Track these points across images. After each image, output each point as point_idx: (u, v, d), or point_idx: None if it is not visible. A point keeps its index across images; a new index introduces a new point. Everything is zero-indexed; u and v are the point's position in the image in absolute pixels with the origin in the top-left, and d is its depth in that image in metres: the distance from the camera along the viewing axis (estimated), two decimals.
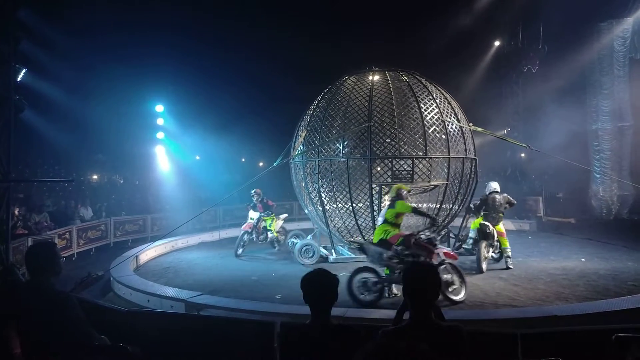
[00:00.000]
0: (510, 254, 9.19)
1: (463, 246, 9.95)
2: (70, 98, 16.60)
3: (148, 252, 11.38)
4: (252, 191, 11.94)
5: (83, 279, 8.45)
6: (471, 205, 10.08)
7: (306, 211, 11.88)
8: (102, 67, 17.79)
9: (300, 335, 2.68)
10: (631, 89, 15.01)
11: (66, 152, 19.50)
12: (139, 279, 8.38)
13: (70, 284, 7.48)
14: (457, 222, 11.05)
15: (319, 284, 2.67)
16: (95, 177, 23.45)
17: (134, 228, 14.42)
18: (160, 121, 19.05)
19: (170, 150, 19.49)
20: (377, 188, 10.16)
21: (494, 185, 9.71)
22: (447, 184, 10.20)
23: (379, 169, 10.62)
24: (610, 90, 15.18)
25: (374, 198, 10.09)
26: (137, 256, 10.54)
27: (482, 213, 9.41)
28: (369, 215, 10.20)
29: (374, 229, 10.08)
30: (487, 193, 9.55)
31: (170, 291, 7.37)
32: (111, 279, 8.70)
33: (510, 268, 8.99)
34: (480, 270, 8.67)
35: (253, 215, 11.92)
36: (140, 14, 18.90)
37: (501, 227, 9.29)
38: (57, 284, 3.09)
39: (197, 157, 25.18)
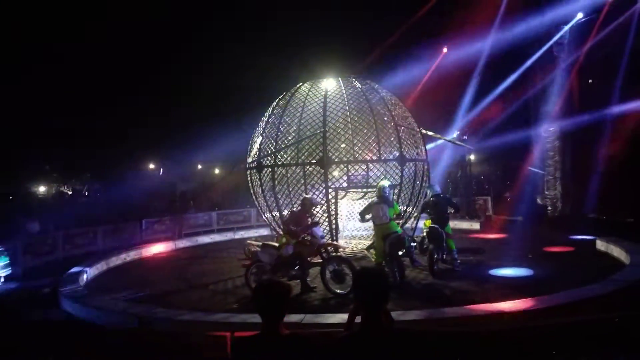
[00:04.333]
0: (456, 255, 9.47)
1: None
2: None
3: (99, 265, 11.00)
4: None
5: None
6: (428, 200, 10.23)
7: (264, 217, 11.82)
8: None
9: (252, 346, 2.68)
10: (570, 92, 15.87)
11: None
12: (89, 294, 8.08)
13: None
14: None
15: (269, 294, 2.67)
16: (42, 189, 22.47)
17: (84, 241, 13.86)
18: None
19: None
20: (334, 193, 10.26)
21: (437, 189, 9.92)
22: (400, 186, 10.44)
23: (335, 173, 10.73)
24: (551, 93, 15.98)
25: (330, 203, 10.18)
26: (87, 270, 10.16)
27: (430, 216, 9.63)
28: (326, 220, 10.27)
29: (332, 233, 10.25)
30: (431, 197, 9.74)
31: (121, 305, 7.14)
32: (60, 294, 8.34)
33: (458, 269, 9.26)
34: (431, 272, 8.86)
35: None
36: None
37: (449, 228, 9.54)
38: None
39: (151, 166, 24.59)
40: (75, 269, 10.11)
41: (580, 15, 15.18)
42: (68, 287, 8.54)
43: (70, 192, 22.38)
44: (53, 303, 8.38)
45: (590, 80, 16.15)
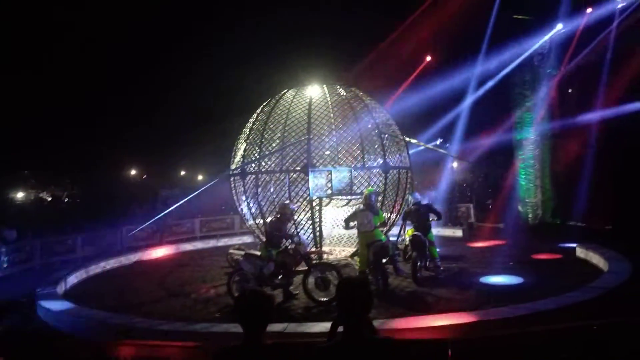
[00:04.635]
0: (439, 262, 9.51)
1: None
2: None
3: (78, 274, 10.79)
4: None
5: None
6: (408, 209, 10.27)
7: (247, 225, 11.73)
8: None
9: (233, 357, 2.63)
10: (550, 101, 16.16)
11: None
12: (66, 303, 7.91)
13: None
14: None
15: (251, 305, 2.64)
16: (20, 195, 22.00)
17: (63, 249, 13.56)
18: None
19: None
20: (318, 199, 10.25)
21: (417, 196, 9.93)
22: (384, 193, 10.49)
23: (319, 180, 10.71)
24: (532, 102, 16.25)
25: (314, 209, 10.16)
26: (65, 278, 9.95)
27: (412, 224, 9.65)
28: (310, 227, 10.25)
29: (316, 240, 10.22)
30: (412, 205, 9.76)
31: (99, 315, 7.00)
32: (36, 304, 8.14)
33: (441, 277, 9.30)
34: (414, 279, 8.87)
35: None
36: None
37: (431, 236, 9.58)
38: None
39: (133, 172, 24.30)
40: (53, 277, 9.90)
41: (560, 27, 15.50)
42: (45, 295, 8.35)
43: (49, 199, 21.92)
44: (29, 312, 8.18)
45: (569, 90, 16.45)
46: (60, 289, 9.32)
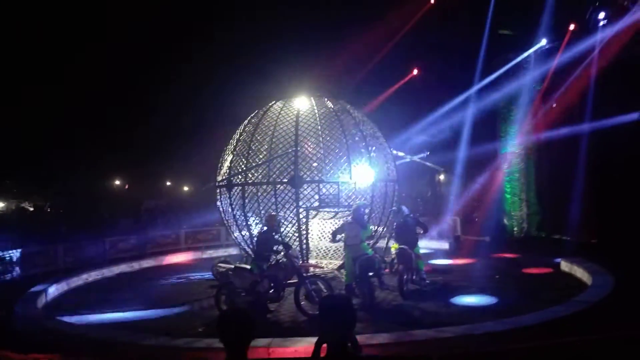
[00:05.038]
0: (425, 275, 9.52)
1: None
2: None
3: (59, 286, 10.57)
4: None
5: None
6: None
7: (233, 236, 11.62)
8: None
9: None
10: (534, 114, 16.38)
11: None
12: (47, 317, 7.73)
13: None
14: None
15: (233, 324, 2.58)
16: (1, 205, 21.63)
17: (44, 260, 13.26)
18: None
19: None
20: (305, 212, 10.21)
21: (406, 210, 9.95)
22: (371, 206, 10.49)
23: (306, 192, 10.70)
24: (517, 117, 16.47)
25: (301, 222, 10.11)
26: (45, 290, 9.73)
27: (399, 237, 9.65)
28: (297, 239, 10.19)
29: (302, 253, 10.16)
30: (401, 218, 9.78)
31: (80, 330, 6.84)
32: (15, 316, 7.94)
33: (427, 289, 9.30)
34: (400, 293, 8.84)
35: None
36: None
37: (418, 249, 9.58)
38: None
39: (117, 182, 24.02)
40: (33, 289, 9.69)
41: (544, 42, 15.77)
42: (25, 308, 8.15)
43: (32, 209, 21.54)
44: (8, 325, 7.96)
45: (554, 105, 16.68)
46: (41, 301, 9.12)
